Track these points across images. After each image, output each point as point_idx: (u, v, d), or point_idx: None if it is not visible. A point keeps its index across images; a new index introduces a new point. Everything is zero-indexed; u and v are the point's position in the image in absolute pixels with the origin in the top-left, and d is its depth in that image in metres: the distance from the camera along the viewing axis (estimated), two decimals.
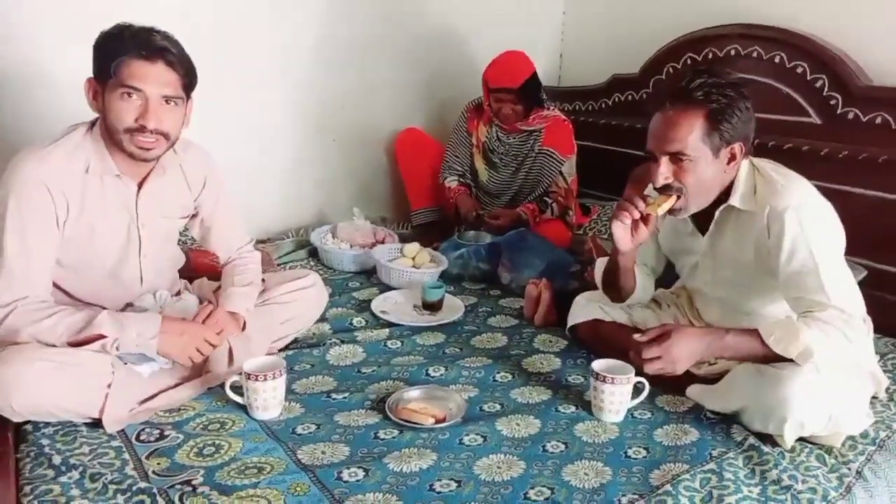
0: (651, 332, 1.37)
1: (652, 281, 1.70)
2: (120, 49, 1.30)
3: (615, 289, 1.64)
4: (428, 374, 1.62)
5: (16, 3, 1.93)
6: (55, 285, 1.41)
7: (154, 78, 1.31)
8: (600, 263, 1.68)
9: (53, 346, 1.32)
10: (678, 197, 1.40)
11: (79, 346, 1.32)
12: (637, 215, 1.43)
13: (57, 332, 1.31)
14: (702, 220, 1.50)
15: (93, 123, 1.42)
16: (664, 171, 1.37)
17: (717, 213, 1.45)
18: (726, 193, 1.43)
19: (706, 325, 1.65)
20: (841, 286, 1.33)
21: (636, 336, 1.39)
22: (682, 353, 1.33)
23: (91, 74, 1.36)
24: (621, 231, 1.45)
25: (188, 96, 1.40)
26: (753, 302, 1.53)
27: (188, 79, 1.37)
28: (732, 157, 1.38)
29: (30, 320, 1.30)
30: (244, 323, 1.54)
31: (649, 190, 1.61)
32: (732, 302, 1.56)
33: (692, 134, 1.33)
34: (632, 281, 1.61)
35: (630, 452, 1.33)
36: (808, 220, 1.34)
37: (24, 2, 1.94)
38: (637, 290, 1.64)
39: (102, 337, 1.32)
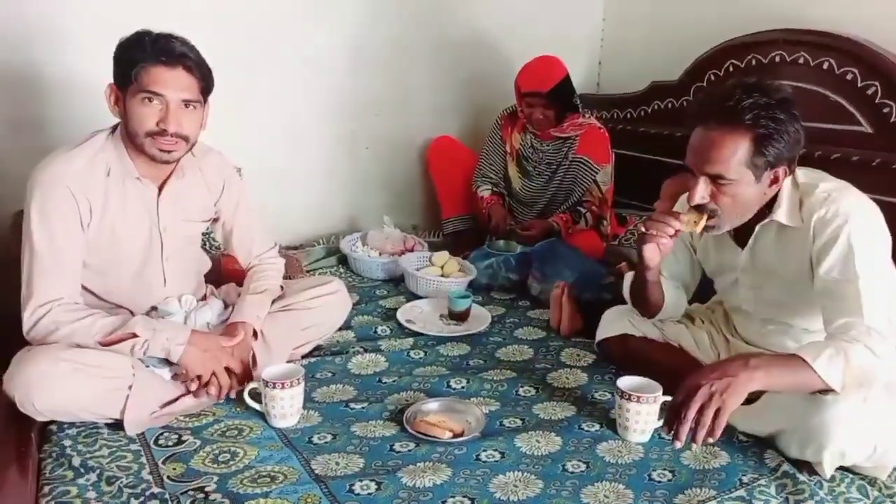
0: (674, 399, 1.22)
1: (684, 295, 1.64)
2: (140, 56, 1.33)
3: (644, 303, 1.59)
4: (449, 386, 1.59)
5: (59, 11, 2.00)
6: (83, 287, 1.44)
7: (174, 83, 1.35)
8: (628, 278, 1.63)
9: (84, 346, 1.34)
10: (710, 216, 1.35)
11: (109, 345, 1.35)
12: (671, 233, 1.39)
13: (91, 332, 1.34)
14: (741, 234, 1.44)
15: (114, 128, 1.45)
16: (701, 191, 1.32)
17: (757, 228, 1.39)
18: (767, 207, 1.37)
19: (742, 341, 1.57)
20: (880, 300, 1.24)
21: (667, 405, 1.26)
22: (722, 382, 1.17)
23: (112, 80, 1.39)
24: (651, 250, 1.42)
25: (205, 100, 1.43)
26: (796, 318, 1.45)
27: (205, 83, 1.41)
28: (775, 180, 1.32)
29: (65, 321, 1.34)
30: (255, 331, 1.54)
31: (680, 203, 1.55)
32: (774, 319, 1.48)
33: (735, 157, 1.27)
34: (659, 294, 1.56)
35: (654, 475, 1.27)
36: (857, 230, 1.26)
37: (64, 9, 2.00)
38: (667, 306, 1.58)
39: (134, 336, 1.35)
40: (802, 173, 1.38)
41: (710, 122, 1.29)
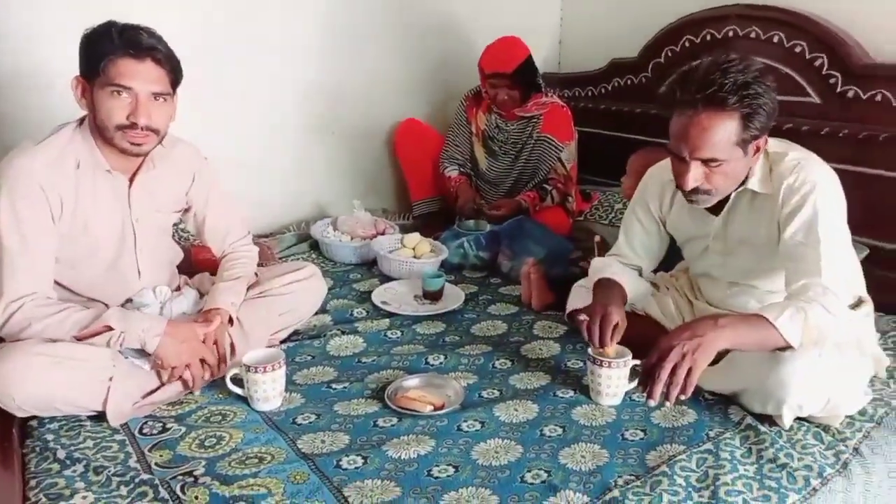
0: (648, 360, 1.28)
1: (643, 281, 1.67)
2: (108, 48, 1.32)
3: None
4: (427, 363, 1.63)
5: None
6: (56, 283, 1.43)
7: (143, 76, 1.34)
8: (595, 266, 1.66)
9: (59, 340, 1.34)
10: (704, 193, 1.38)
11: (85, 339, 1.34)
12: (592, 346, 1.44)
13: (65, 327, 1.34)
14: (714, 203, 1.49)
15: (81, 120, 1.44)
16: (695, 176, 1.35)
17: (732, 196, 1.45)
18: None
19: (705, 303, 1.64)
20: (837, 265, 1.32)
21: (639, 369, 1.33)
22: (693, 342, 1.23)
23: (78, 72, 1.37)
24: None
25: (175, 91, 1.42)
26: (761, 281, 1.52)
27: (175, 75, 1.40)
28: (757, 149, 1.38)
29: (38, 316, 1.33)
30: (231, 317, 1.55)
31: (654, 177, 1.59)
32: (739, 283, 1.55)
33: (726, 139, 1.30)
34: (623, 295, 1.57)
35: (627, 434, 1.33)
36: (822, 199, 1.34)
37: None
38: (631, 293, 1.59)
39: (109, 329, 1.35)
40: (772, 142, 1.44)
41: (696, 108, 1.30)
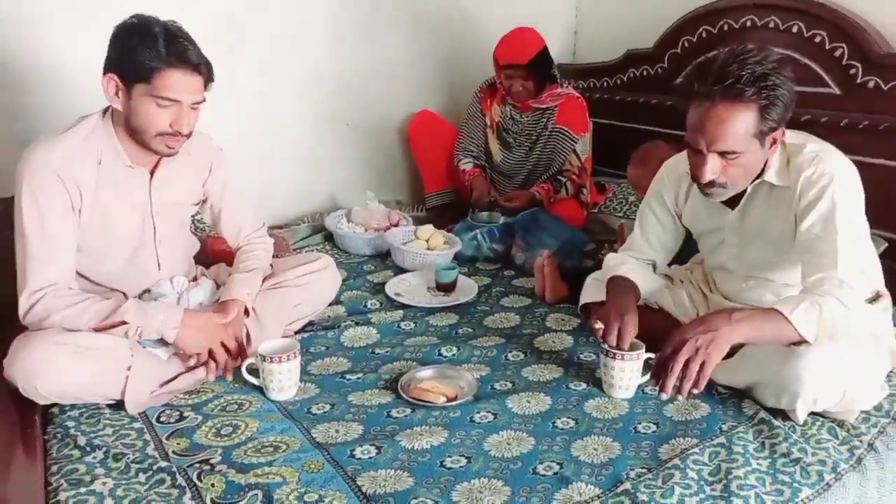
0: (661, 354, 1.29)
1: (656, 277, 1.66)
2: (156, 60, 1.32)
3: None
4: (440, 354, 1.64)
5: None
6: (77, 273, 1.45)
7: (191, 89, 1.37)
8: (609, 262, 1.65)
9: (77, 331, 1.36)
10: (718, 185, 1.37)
11: (102, 331, 1.37)
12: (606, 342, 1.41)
13: (84, 318, 1.36)
14: (729, 197, 1.47)
15: (103, 112, 1.45)
16: (713, 169, 1.33)
17: (749, 188, 1.43)
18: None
19: (720, 296, 1.63)
20: (854, 258, 1.31)
21: (652, 362, 1.33)
22: (707, 336, 1.23)
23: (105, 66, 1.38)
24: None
25: None
26: (777, 274, 1.51)
27: (211, 81, 1.42)
28: (774, 141, 1.36)
29: (58, 306, 1.35)
30: (246, 308, 1.57)
31: (660, 178, 1.58)
32: (755, 276, 1.54)
33: (744, 130, 1.29)
34: (636, 293, 1.57)
35: (640, 427, 1.33)
36: (840, 192, 1.33)
37: None
38: (644, 290, 1.59)
39: (125, 323, 1.37)
40: (790, 134, 1.42)
41: (713, 99, 1.28)
